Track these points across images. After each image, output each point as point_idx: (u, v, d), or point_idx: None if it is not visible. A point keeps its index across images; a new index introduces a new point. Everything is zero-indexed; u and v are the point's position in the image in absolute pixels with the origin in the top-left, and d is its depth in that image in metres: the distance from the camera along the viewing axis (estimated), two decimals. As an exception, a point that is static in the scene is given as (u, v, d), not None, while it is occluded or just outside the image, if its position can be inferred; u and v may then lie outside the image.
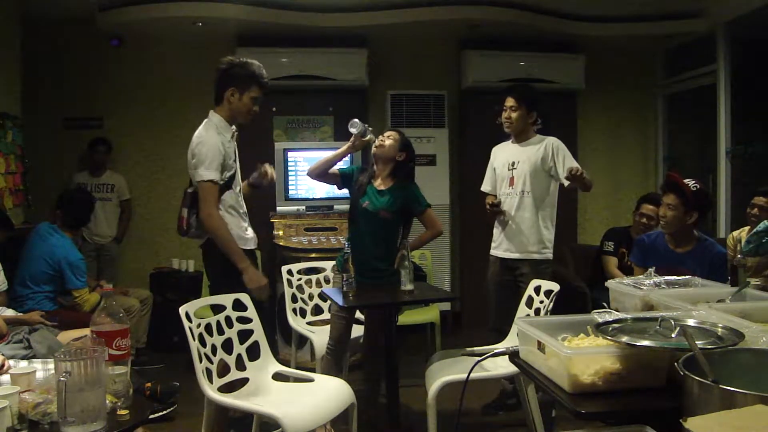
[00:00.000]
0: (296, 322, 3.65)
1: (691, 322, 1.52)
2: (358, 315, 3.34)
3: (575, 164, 3.27)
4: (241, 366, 2.62)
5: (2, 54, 4.48)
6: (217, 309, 2.65)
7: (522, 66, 5.52)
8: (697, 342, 1.28)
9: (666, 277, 2.17)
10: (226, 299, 2.67)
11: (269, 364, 2.73)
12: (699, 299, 1.89)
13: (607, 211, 6.04)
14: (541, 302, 2.93)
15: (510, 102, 3.43)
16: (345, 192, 3.40)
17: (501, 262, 3.50)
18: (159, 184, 5.49)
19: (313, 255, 4.12)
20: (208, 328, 2.50)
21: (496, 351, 1.79)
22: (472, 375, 1.85)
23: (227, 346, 2.58)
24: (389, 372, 2.87)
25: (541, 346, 1.52)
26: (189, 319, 2.42)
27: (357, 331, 3.33)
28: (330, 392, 2.55)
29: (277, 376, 2.71)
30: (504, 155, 3.56)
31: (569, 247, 5.14)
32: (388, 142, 3.14)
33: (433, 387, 2.65)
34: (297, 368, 3.01)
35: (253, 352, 2.69)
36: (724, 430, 0.96)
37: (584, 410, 1.33)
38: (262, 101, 2.92)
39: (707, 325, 1.49)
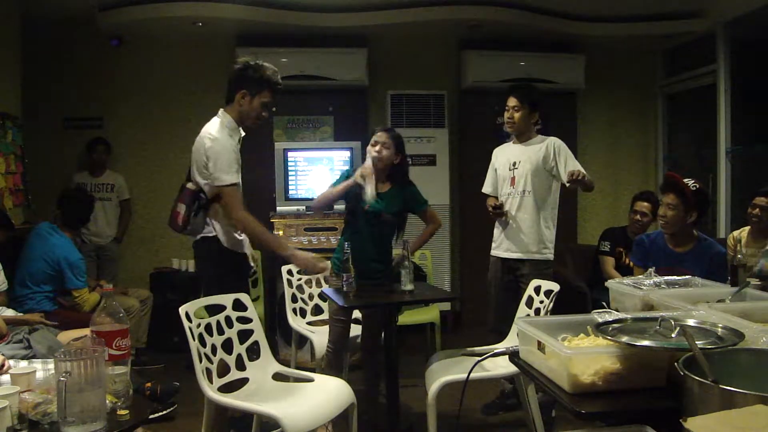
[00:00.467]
0: (296, 322, 3.65)
1: (691, 322, 1.52)
2: (356, 315, 3.34)
3: (577, 165, 3.28)
4: (241, 366, 2.62)
5: (2, 54, 4.47)
6: (214, 310, 2.63)
7: (522, 66, 5.52)
8: (697, 342, 1.28)
9: (666, 277, 2.17)
10: (226, 299, 2.67)
11: (269, 364, 2.73)
12: (699, 299, 1.89)
13: (606, 211, 6.05)
14: (541, 302, 2.93)
15: (513, 102, 3.42)
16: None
17: (502, 262, 3.50)
18: (159, 184, 5.49)
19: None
20: (208, 328, 2.50)
21: (496, 351, 1.79)
22: (472, 375, 1.85)
23: (227, 346, 2.58)
24: (389, 372, 2.87)
25: (541, 346, 1.52)
26: (189, 319, 2.42)
27: (356, 330, 3.33)
28: (330, 392, 2.55)
29: (277, 376, 2.71)
30: (505, 156, 3.55)
31: (569, 247, 5.15)
32: (385, 153, 3.09)
33: (433, 387, 2.64)
34: (297, 368, 3.01)
35: (253, 352, 2.69)
36: (724, 430, 0.96)
37: (584, 410, 1.33)
38: (273, 106, 2.90)
39: (707, 325, 1.49)
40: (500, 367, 2.75)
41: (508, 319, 3.21)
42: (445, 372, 2.74)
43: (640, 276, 2.27)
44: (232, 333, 2.60)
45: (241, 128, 2.90)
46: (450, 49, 5.67)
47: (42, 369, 2.04)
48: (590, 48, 5.66)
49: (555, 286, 2.90)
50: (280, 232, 4.50)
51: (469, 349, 3.03)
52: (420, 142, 5.37)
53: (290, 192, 4.80)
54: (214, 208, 2.83)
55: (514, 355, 1.70)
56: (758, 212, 3.73)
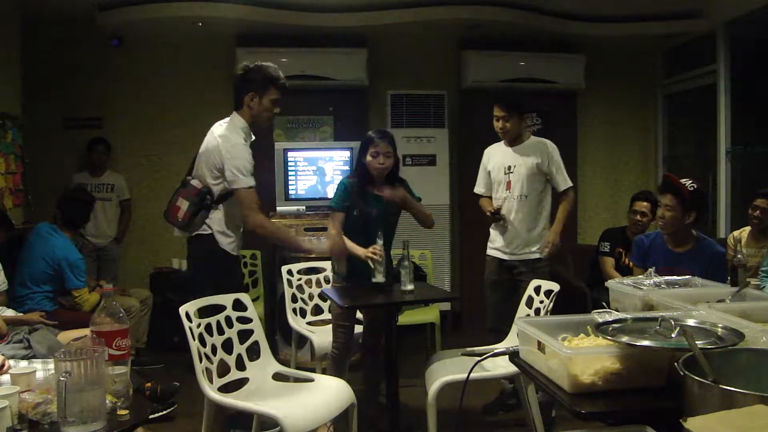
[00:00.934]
0: (296, 322, 3.65)
1: (691, 322, 1.52)
2: (357, 315, 3.34)
3: (563, 174, 3.49)
4: (241, 366, 2.63)
5: (2, 54, 4.47)
6: (213, 310, 2.63)
7: (522, 66, 5.52)
8: (697, 342, 1.28)
9: (666, 277, 2.17)
10: (226, 299, 2.67)
11: (269, 364, 2.73)
12: (699, 299, 1.90)
13: (606, 212, 6.05)
14: (541, 302, 2.93)
15: (500, 112, 3.47)
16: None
17: (498, 262, 3.55)
18: (159, 184, 5.49)
19: (313, 255, 4.11)
20: (208, 328, 2.50)
21: (496, 351, 1.79)
22: (472, 375, 1.85)
23: (227, 346, 2.58)
24: (389, 372, 2.87)
25: (541, 346, 1.52)
26: (189, 319, 2.42)
27: (357, 329, 3.33)
28: (330, 392, 2.55)
29: (277, 376, 2.71)
30: (498, 158, 3.59)
31: (569, 247, 5.14)
32: (387, 163, 3.09)
33: (433, 387, 2.65)
34: (297, 368, 3.02)
35: (253, 352, 2.69)
36: (724, 430, 0.96)
37: (584, 410, 1.33)
38: (281, 103, 2.96)
39: (707, 325, 1.49)
40: (500, 367, 2.75)
41: (505, 318, 3.26)
42: (445, 372, 2.74)
43: (640, 276, 2.27)
44: (232, 333, 2.61)
45: (252, 132, 2.95)
46: (450, 49, 5.67)
47: (42, 369, 2.05)
48: (590, 48, 5.66)
49: (555, 286, 2.91)
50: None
51: (469, 349, 3.01)
52: (420, 142, 5.36)
53: (290, 192, 4.80)
54: (216, 209, 2.88)
55: (514, 355, 1.70)
56: (758, 214, 3.73)
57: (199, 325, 2.45)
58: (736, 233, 3.94)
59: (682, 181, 3.02)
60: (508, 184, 3.50)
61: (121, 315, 1.88)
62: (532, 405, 2.79)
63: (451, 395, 2.57)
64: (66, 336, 3.09)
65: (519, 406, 3.22)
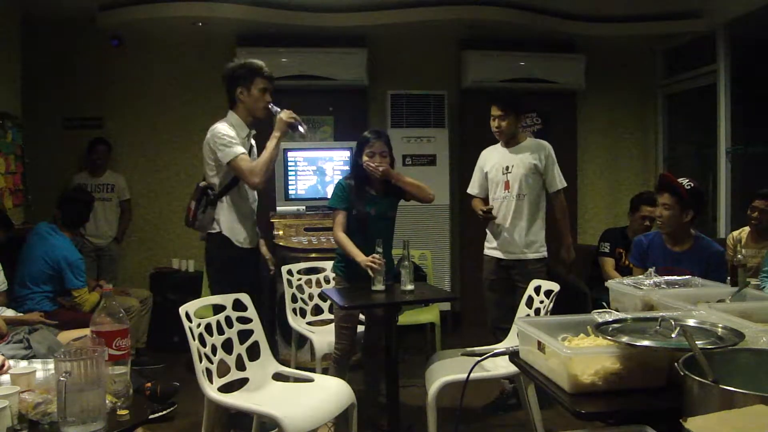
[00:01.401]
0: (296, 322, 3.65)
1: (691, 322, 1.52)
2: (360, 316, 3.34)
3: (558, 175, 3.53)
4: (241, 366, 2.63)
5: (2, 54, 4.48)
6: (218, 308, 2.66)
7: (522, 66, 5.52)
8: (697, 342, 1.28)
9: (666, 277, 2.17)
10: (226, 299, 2.68)
11: (269, 364, 2.73)
12: (699, 299, 1.90)
13: (606, 212, 6.04)
14: (541, 302, 2.93)
15: (497, 111, 3.50)
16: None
17: (496, 261, 3.57)
18: (159, 184, 5.49)
19: (313, 255, 4.12)
20: (208, 328, 2.50)
21: (496, 351, 1.79)
22: (472, 375, 1.85)
23: (227, 346, 2.58)
24: (389, 372, 2.87)
25: (541, 346, 1.52)
26: (189, 319, 2.42)
27: (357, 329, 3.33)
28: (330, 392, 2.55)
29: (277, 376, 2.71)
30: (495, 159, 3.62)
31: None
32: (382, 168, 3.08)
33: (433, 387, 2.65)
34: (297, 368, 3.02)
35: (253, 352, 2.69)
36: (724, 430, 0.96)
37: (584, 410, 1.33)
38: (272, 90, 3.05)
39: (707, 325, 1.49)
40: (500, 367, 2.75)
41: (504, 318, 3.30)
42: (445, 372, 2.73)
43: (640, 276, 2.27)
44: (232, 333, 2.61)
45: (247, 124, 3.05)
46: (450, 49, 5.67)
47: (42, 369, 2.04)
48: (590, 48, 5.66)
49: (555, 286, 2.91)
50: (281, 232, 4.51)
51: (469, 349, 3.03)
52: (420, 142, 5.37)
53: (290, 192, 4.80)
54: (221, 202, 2.98)
55: (514, 355, 1.70)
56: (757, 215, 3.73)
57: (199, 325, 2.45)
58: (735, 233, 3.94)
59: (680, 180, 3.03)
60: (507, 183, 3.53)
61: (121, 315, 1.88)
62: (532, 405, 2.79)
63: (451, 395, 2.58)
64: (66, 336, 3.09)
65: (519, 406, 3.23)
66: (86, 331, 2.15)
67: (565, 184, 3.61)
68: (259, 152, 3.05)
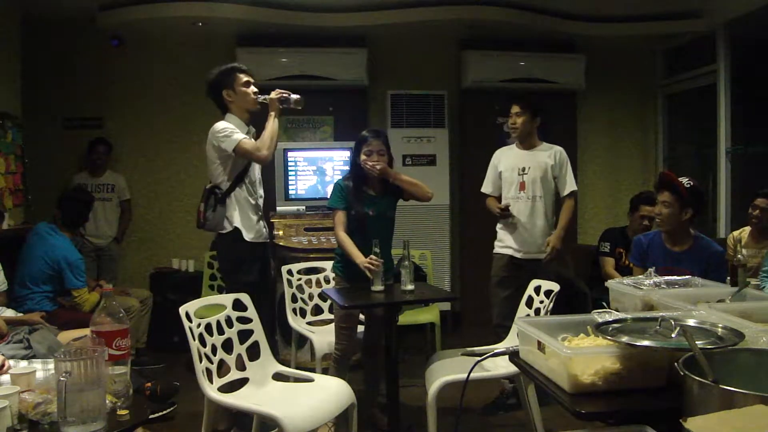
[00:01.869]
0: (296, 322, 3.65)
1: (691, 322, 1.52)
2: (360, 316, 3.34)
3: (571, 179, 3.65)
4: (241, 366, 2.63)
5: (2, 54, 4.47)
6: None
7: (522, 66, 5.52)
8: (697, 342, 1.28)
9: (666, 277, 2.17)
10: (226, 299, 2.68)
11: (269, 364, 2.73)
12: (699, 299, 1.90)
13: (606, 211, 6.04)
14: (541, 302, 2.93)
15: (515, 109, 3.64)
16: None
17: (509, 259, 3.65)
18: (159, 184, 5.49)
19: (313, 255, 4.12)
20: (208, 328, 2.50)
21: (496, 351, 1.79)
22: (472, 375, 1.85)
23: (227, 346, 2.58)
24: (389, 372, 2.87)
25: (541, 346, 1.52)
26: (189, 319, 2.42)
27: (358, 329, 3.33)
28: (330, 392, 2.55)
29: (277, 376, 2.71)
30: (510, 160, 3.70)
31: (569, 247, 5.14)
32: (380, 165, 3.09)
33: (433, 387, 2.65)
34: (297, 368, 3.02)
35: (253, 352, 2.69)
36: (724, 430, 0.96)
37: (584, 410, 1.33)
38: (255, 83, 3.17)
39: (707, 325, 1.49)
40: (500, 367, 2.75)
41: (509, 316, 3.33)
42: (445, 372, 2.73)
43: (640, 276, 2.27)
44: (232, 333, 2.61)
45: (245, 122, 3.14)
46: (450, 49, 5.67)
47: (42, 369, 2.04)
48: (590, 48, 5.66)
49: (555, 286, 2.91)
50: (281, 232, 4.51)
51: (469, 349, 3.03)
52: (420, 142, 5.37)
53: (290, 192, 4.81)
54: (230, 198, 3.06)
55: (514, 355, 1.70)
56: (758, 213, 3.73)
57: (199, 325, 2.45)
58: (736, 233, 3.94)
59: (680, 179, 3.04)
60: (522, 184, 3.63)
61: (121, 315, 1.88)
62: (532, 405, 2.79)
63: (451, 395, 2.58)
64: (66, 336, 3.09)
65: (519, 406, 3.24)
66: (86, 331, 2.15)
67: (575, 188, 3.70)
68: None
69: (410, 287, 2.94)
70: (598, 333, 1.50)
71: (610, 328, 1.52)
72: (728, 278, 2.90)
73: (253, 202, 3.16)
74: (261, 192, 3.27)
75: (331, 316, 3.36)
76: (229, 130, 3.02)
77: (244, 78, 3.13)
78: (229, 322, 2.62)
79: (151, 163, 5.48)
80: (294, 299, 3.74)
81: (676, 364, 1.24)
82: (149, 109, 5.43)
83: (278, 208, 4.72)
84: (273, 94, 3.11)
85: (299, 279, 3.78)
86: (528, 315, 2.95)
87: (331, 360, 3.20)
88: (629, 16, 5.33)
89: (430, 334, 4.40)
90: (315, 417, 2.37)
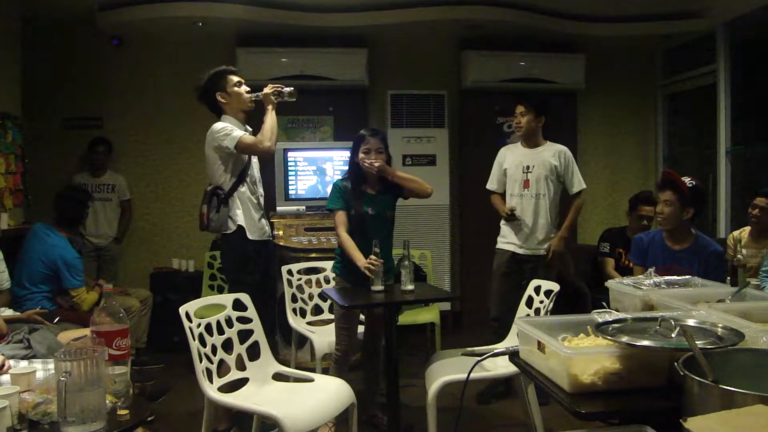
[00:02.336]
0: (296, 322, 3.65)
1: (691, 322, 1.52)
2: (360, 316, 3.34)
3: (579, 177, 3.71)
4: (241, 366, 2.63)
5: (2, 54, 4.47)
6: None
7: (522, 66, 5.52)
8: (697, 342, 1.28)
9: (666, 277, 2.17)
10: (226, 299, 2.68)
11: (269, 364, 2.73)
12: (699, 299, 1.90)
13: (606, 212, 6.05)
14: (541, 302, 2.93)
15: (520, 109, 3.73)
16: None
17: (511, 255, 3.71)
18: (159, 184, 5.49)
19: (313, 255, 4.12)
20: (208, 328, 2.50)
21: (496, 351, 1.79)
22: (472, 375, 1.85)
23: (227, 346, 2.58)
24: (389, 372, 2.87)
25: (541, 346, 1.52)
26: (189, 319, 2.42)
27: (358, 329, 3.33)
28: (330, 392, 2.55)
29: (277, 376, 2.71)
30: (515, 157, 3.76)
31: (569, 247, 5.13)
32: (377, 164, 3.09)
33: (433, 387, 2.65)
34: (297, 368, 3.02)
35: (253, 352, 2.69)
36: (724, 430, 0.96)
37: (584, 410, 1.33)
38: (243, 82, 3.19)
39: (707, 325, 1.49)
40: (500, 367, 2.75)
41: (509, 309, 3.42)
42: (445, 372, 2.73)
43: (640, 276, 2.27)
44: (232, 333, 2.61)
45: (242, 122, 3.16)
46: (450, 49, 5.67)
47: (42, 369, 2.04)
48: (590, 48, 5.66)
49: (555, 286, 2.91)
50: (281, 232, 4.51)
51: (469, 349, 3.02)
52: (420, 142, 5.36)
53: (290, 192, 4.80)
54: (233, 197, 3.08)
55: (514, 355, 1.70)
56: (758, 212, 3.73)
57: (199, 325, 2.45)
58: (736, 233, 3.94)
59: (682, 178, 3.04)
60: (526, 182, 3.69)
61: (121, 315, 1.89)
62: (532, 405, 2.79)
63: (451, 395, 2.58)
64: (66, 336, 3.09)
65: (509, 392, 3.45)
66: (86, 331, 2.15)
67: (584, 186, 3.76)
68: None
69: (410, 287, 2.93)
70: (598, 333, 1.50)
71: (610, 328, 1.52)
72: (728, 278, 2.91)
73: (255, 200, 3.19)
74: (261, 191, 3.29)
75: (331, 316, 3.36)
76: (229, 128, 3.05)
77: (236, 78, 3.16)
78: (229, 322, 2.62)
79: (151, 163, 5.48)
80: (294, 299, 3.74)
81: (676, 364, 1.24)
82: (149, 109, 5.43)
83: (278, 208, 4.72)
84: (266, 89, 3.15)
85: (299, 279, 3.78)
86: (528, 315, 2.95)
87: (331, 360, 3.20)
88: (629, 16, 5.32)
89: (430, 334, 4.40)
90: (315, 417, 2.37)
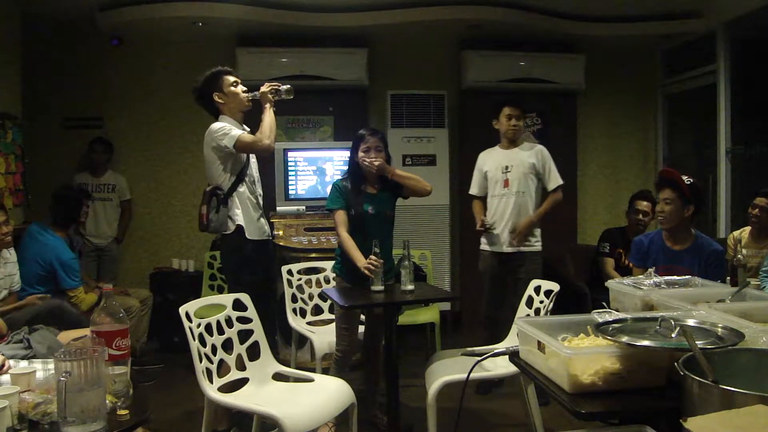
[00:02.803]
0: (296, 322, 3.65)
1: (691, 322, 1.52)
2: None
3: (555, 173, 3.82)
4: (241, 366, 2.63)
5: (2, 54, 4.47)
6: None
7: (522, 66, 5.52)
8: (697, 342, 1.28)
9: (666, 277, 2.17)
10: (226, 299, 2.68)
11: (269, 364, 2.73)
12: (699, 299, 1.90)
13: (606, 212, 6.05)
14: (541, 302, 2.93)
15: (515, 111, 3.82)
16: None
17: (495, 255, 3.81)
18: (159, 184, 5.49)
19: (313, 255, 4.12)
20: (208, 328, 2.50)
21: (496, 351, 1.79)
22: (472, 375, 1.85)
23: (227, 346, 2.58)
24: (389, 372, 2.87)
25: (541, 346, 1.52)
26: (189, 319, 2.42)
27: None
28: (330, 392, 2.55)
29: (277, 376, 2.71)
30: (494, 160, 3.88)
31: (569, 247, 5.14)
32: (377, 162, 3.09)
33: (433, 387, 2.65)
34: (297, 368, 3.02)
35: (253, 352, 2.70)
36: (724, 430, 0.96)
37: (584, 410, 1.33)
38: (242, 81, 3.21)
39: (707, 325, 1.49)
40: (500, 367, 2.75)
41: (500, 307, 3.72)
42: (445, 372, 2.73)
43: (640, 276, 2.27)
44: (232, 333, 2.61)
45: (239, 122, 3.16)
46: (450, 49, 5.67)
47: (42, 369, 2.04)
48: (590, 48, 5.66)
49: (555, 286, 2.91)
50: (281, 232, 4.51)
51: (469, 349, 3.02)
52: (420, 142, 5.36)
53: (290, 192, 4.80)
54: (232, 198, 3.08)
55: (514, 355, 1.70)
56: (758, 212, 3.73)
57: (199, 325, 2.45)
58: (736, 233, 3.94)
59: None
60: (506, 181, 3.79)
61: (121, 315, 1.88)
62: (532, 405, 2.79)
63: (451, 395, 2.58)
64: (66, 336, 3.09)
65: (502, 382, 3.49)
66: (86, 331, 2.15)
67: (561, 182, 3.84)
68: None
69: (410, 287, 2.94)
70: (598, 333, 1.50)
71: (610, 328, 1.52)
72: (728, 278, 2.90)
73: (254, 200, 3.19)
74: (260, 191, 3.29)
75: (331, 316, 3.36)
76: (227, 128, 3.05)
77: (232, 78, 3.16)
78: (229, 322, 2.62)
79: (151, 163, 5.48)
80: (294, 299, 3.74)
81: (676, 364, 1.24)
82: (149, 109, 5.43)
83: (278, 208, 4.72)
84: (263, 88, 3.16)
85: (299, 279, 3.79)
86: (528, 315, 2.95)
87: (332, 360, 3.20)
88: (629, 16, 5.32)
89: (430, 334, 4.40)
90: (315, 417, 2.37)
